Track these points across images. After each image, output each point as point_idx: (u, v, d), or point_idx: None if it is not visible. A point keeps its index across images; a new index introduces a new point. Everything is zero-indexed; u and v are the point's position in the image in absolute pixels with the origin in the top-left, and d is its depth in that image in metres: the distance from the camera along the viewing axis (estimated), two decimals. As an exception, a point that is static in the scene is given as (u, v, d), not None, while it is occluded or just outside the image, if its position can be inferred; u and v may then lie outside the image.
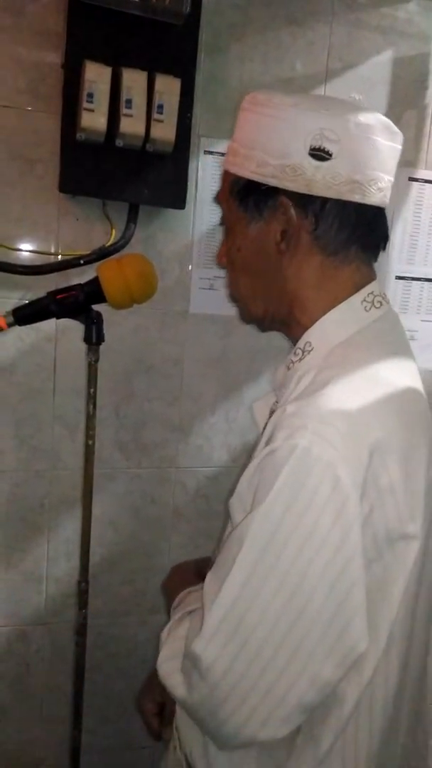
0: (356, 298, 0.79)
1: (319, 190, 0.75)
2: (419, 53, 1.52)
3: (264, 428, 0.80)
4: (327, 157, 0.74)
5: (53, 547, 1.47)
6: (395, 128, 0.81)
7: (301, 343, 0.80)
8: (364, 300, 0.79)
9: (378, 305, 0.80)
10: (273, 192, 0.77)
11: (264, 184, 0.77)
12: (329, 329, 0.78)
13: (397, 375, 0.76)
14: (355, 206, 0.77)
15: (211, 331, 1.48)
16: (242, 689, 0.68)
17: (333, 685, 0.68)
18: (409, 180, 1.56)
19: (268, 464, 0.67)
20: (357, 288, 0.80)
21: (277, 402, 0.85)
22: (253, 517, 0.67)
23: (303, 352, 0.79)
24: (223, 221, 0.87)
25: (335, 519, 0.64)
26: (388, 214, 1.42)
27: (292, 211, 0.77)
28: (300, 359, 0.79)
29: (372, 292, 0.80)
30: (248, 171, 0.78)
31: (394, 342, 0.80)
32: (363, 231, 0.79)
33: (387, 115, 1.47)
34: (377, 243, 0.82)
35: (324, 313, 0.79)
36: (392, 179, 0.81)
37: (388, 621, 0.72)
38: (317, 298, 0.80)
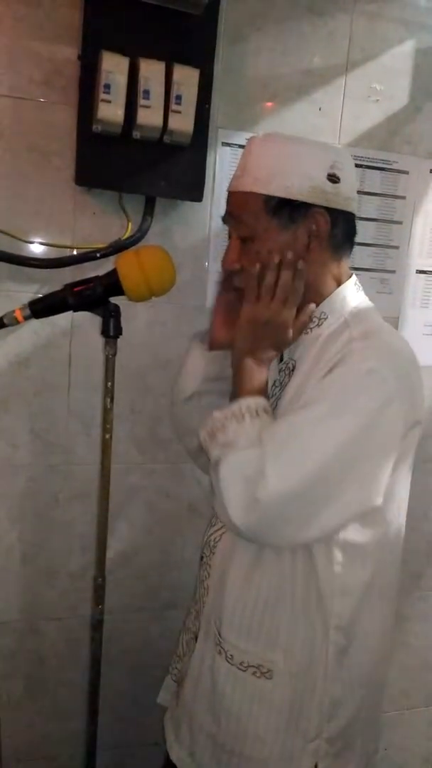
0: (351, 281, 1.08)
1: (334, 204, 1.02)
2: (441, 44, 1.49)
3: (273, 383, 1.09)
4: (337, 181, 1.01)
5: (67, 542, 1.47)
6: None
7: (317, 313, 1.05)
8: (355, 284, 1.09)
9: (359, 288, 1.09)
10: (304, 205, 1.00)
11: (296, 200, 1.00)
12: (338, 302, 1.05)
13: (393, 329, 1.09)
14: (351, 215, 1.06)
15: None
16: (285, 514, 0.94)
17: (352, 517, 0.97)
18: (431, 172, 1.54)
19: (348, 375, 0.94)
20: (347, 274, 1.08)
21: (289, 360, 1.08)
22: (331, 402, 0.93)
23: (319, 319, 1.05)
24: (244, 232, 1.03)
25: (387, 408, 0.93)
26: (409, 206, 1.50)
27: (327, 217, 1.01)
28: (317, 325, 1.05)
29: (356, 281, 1.10)
30: (279, 191, 1.00)
31: (377, 312, 1.09)
32: (353, 233, 1.08)
33: (408, 106, 1.49)
34: (354, 242, 1.10)
35: (331, 293, 1.05)
36: None
37: (405, 488, 1.05)
38: (326, 282, 1.06)
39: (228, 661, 1.07)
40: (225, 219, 1.08)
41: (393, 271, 1.55)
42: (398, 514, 1.05)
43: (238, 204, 1.04)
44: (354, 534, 0.99)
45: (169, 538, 1.54)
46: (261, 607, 1.04)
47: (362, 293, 1.09)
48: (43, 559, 1.46)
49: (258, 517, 0.93)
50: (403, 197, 1.52)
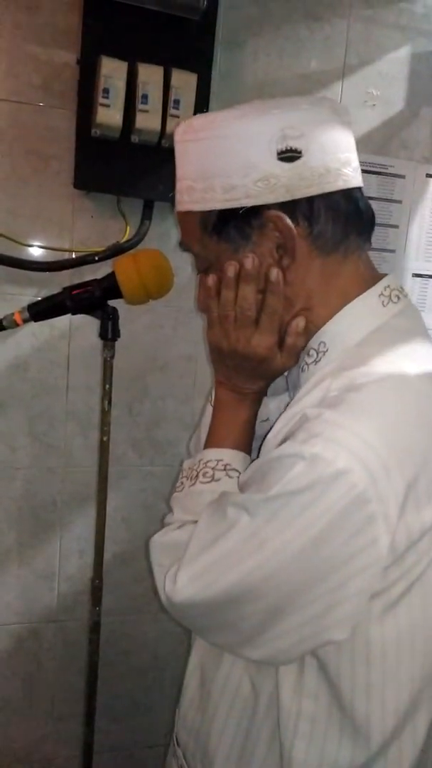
0: (372, 293, 0.74)
1: (301, 191, 0.70)
2: (437, 49, 1.50)
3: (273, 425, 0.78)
4: (297, 155, 0.69)
5: (65, 545, 1.47)
6: (339, 104, 0.77)
7: (314, 343, 0.75)
8: (381, 294, 0.74)
9: (395, 300, 0.75)
10: (253, 211, 0.71)
11: (240, 208, 0.71)
12: (344, 327, 0.73)
13: (425, 377, 0.70)
14: (341, 194, 0.72)
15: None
16: (212, 622, 0.72)
17: (290, 657, 0.70)
18: (427, 176, 1.55)
19: (295, 462, 0.63)
20: (367, 280, 0.75)
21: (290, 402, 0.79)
22: (265, 495, 0.65)
23: (317, 352, 0.75)
24: (200, 265, 0.80)
25: (346, 519, 0.62)
26: (406, 210, 1.43)
27: (288, 221, 0.71)
28: (315, 361, 0.75)
29: (388, 286, 0.75)
30: (216, 202, 0.72)
31: (416, 339, 0.74)
32: (355, 216, 0.74)
33: (404, 111, 1.49)
34: (370, 222, 0.77)
35: (336, 311, 0.74)
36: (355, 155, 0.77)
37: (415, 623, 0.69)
38: (325, 300, 0.75)
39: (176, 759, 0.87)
40: (180, 246, 0.83)
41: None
42: (408, 642, 0.70)
43: (182, 229, 0.79)
44: (336, 667, 0.70)
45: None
46: (209, 718, 0.81)
47: (398, 305, 0.75)
48: (41, 561, 1.46)
49: (175, 615, 0.74)
50: (400, 201, 1.53)
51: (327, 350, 0.74)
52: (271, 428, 0.76)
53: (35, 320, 1.04)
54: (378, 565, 0.64)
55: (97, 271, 1.27)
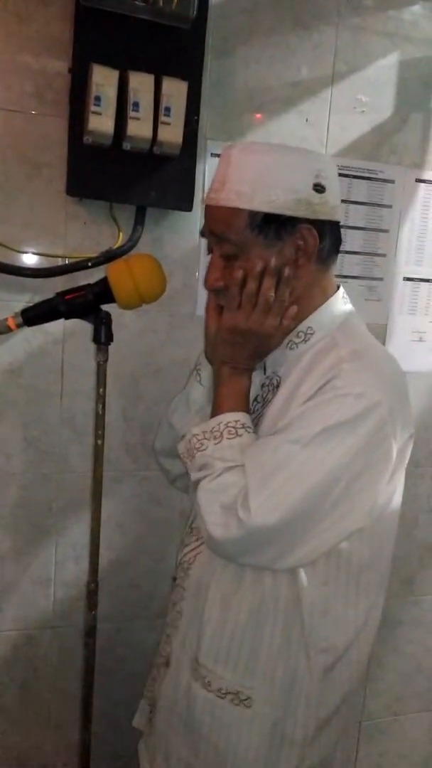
0: (339, 293, 1.04)
1: (321, 215, 0.97)
2: (425, 56, 1.52)
3: (255, 399, 1.06)
4: (323, 190, 0.96)
5: (61, 551, 1.47)
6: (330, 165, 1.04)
7: (303, 327, 1.01)
8: (343, 297, 1.05)
9: (347, 300, 1.06)
10: (291, 220, 0.95)
11: (282, 215, 0.95)
12: (326, 317, 1.01)
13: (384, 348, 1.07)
14: (336, 225, 1.02)
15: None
16: (266, 541, 0.92)
17: (340, 540, 0.95)
18: (416, 181, 1.56)
19: (345, 398, 0.90)
20: (334, 286, 1.05)
21: (273, 376, 1.04)
22: (321, 426, 0.89)
23: (305, 334, 1.01)
24: (224, 250, 0.99)
25: (379, 433, 0.90)
26: (395, 215, 1.48)
27: (315, 234, 0.96)
28: (303, 341, 1.01)
29: (343, 291, 1.06)
30: (263, 206, 0.94)
31: (365, 326, 1.06)
32: (338, 241, 1.03)
33: (393, 117, 1.52)
34: (338, 251, 1.05)
35: (318, 305, 1.01)
36: None
37: (397, 501, 1.02)
38: (313, 296, 1.01)
39: (205, 688, 1.03)
40: (204, 233, 1.03)
41: (380, 279, 1.58)
42: (390, 528, 1.04)
43: (220, 220, 0.98)
44: (344, 551, 0.97)
45: (161, 546, 1.55)
46: (240, 632, 1.01)
47: (350, 305, 1.06)
48: (37, 567, 1.46)
49: (239, 541, 0.92)
50: (390, 206, 1.55)
51: (314, 333, 1.01)
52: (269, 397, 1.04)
53: (29, 325, 1.05)
54: (388, 471, 0.93)
55: (91, 277, 1.27)
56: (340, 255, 1.06)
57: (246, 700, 1.00)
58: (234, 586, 1.01)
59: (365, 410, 0.89)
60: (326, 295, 1.02)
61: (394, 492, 1.00)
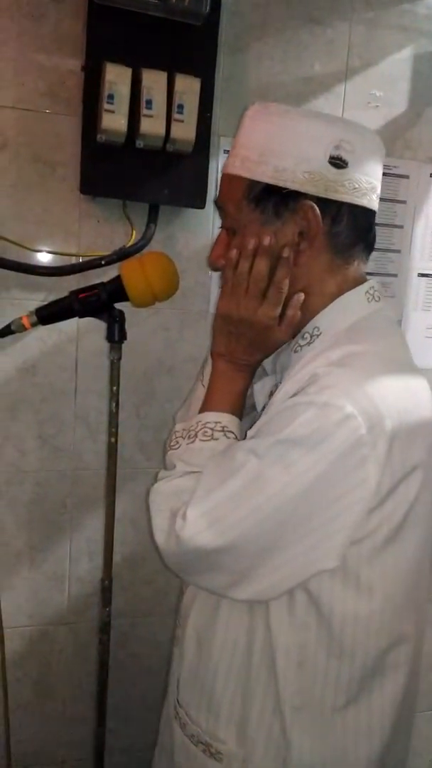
0: (360, 290, 0.87)
1: (336, 195, 0.82)
2: (439, 49, 1.51)
3: (263, 408, 0.92)
4: (343, 165, 0.82)
5: (75, 547, 1.48)
6: (381, 141, 0.91)
7: (309, 328, 0.87)
8: (367, 292, 0.88)
9: (378, 299, 0.89)
10: (293, 195, 0.82)
11: (284, 188, 0.82)
12: (337, 316, 0.86)
13: (403, 356, 0.88)
14: (362, 210, 0.85)
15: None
16: (210, 563, 0.79)
17: (302, 578, 0.79)
18: (431, 176, 1.55)
19: (307, 408, 0.75)
20: (357, 281, 0.88)
21: (279, 384, 0.89)
22: (275, 438, 0.75)
23: (311, 336, 0.86)
24: (227, 222, 0.89)
25: (349, 456, 0.73)
26: (410, 210, 1.45)
27: (318, 213, 0.82)
28: (309, 343, 0.86)
29: (373, 287, 0.89)
30: (267, 176, 0.82)
31: (393, 328, 0.92)
32: (365, 232, 0.88)
33: (407, 112, 1.50)
34: (372, 244, 0.91)
35: (329, 302, 0.86)
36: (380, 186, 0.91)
37: (411, 559, 0.83)
38: (322, 291, 0.87)
39: (182, 730, 0.94)
40: (215, 205, 0.95)
41: (395, 275, 1.57)
42: (396, 584, 0.83)
43: (224, 189, 0.88)
44: (321, 595, 0.81)
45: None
46: (211, 675, 0.89)
47: (378, 304, 0.88)
48: (52, 564, 1.47)
49: (176, 555, 0.81)
50: (404, 201, 1.54)
51: (320, 334, 0.85)
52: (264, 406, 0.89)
53: (43, 323, 1.06)
54: (365, 502, 0.75)
55: (104, 276, 1.27)
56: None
57: (216, 754, 0.89)
58: (209, 619, 0.90)
59: (328, 425, 0.72)
60: (340, 291, 0.86)
61: (391, 540, 0.79)
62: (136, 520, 1.51)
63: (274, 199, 0.83)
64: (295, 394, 0.78)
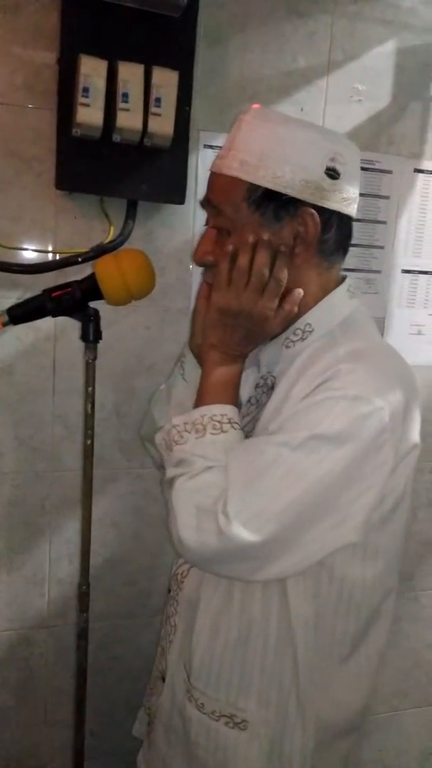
0: (343, 287, 0.95)
1: (328, 203, 0.88)
2: (423, 43, 1.49)
3: (248, 401, 1.00)
4: (336, 176, 0.88)
5: (55, 549, 1.45)
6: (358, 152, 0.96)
7: (300, 324, 0.92)
8: (348, 289, 0.95)
9: (354, 293, 0.97)
10: (293, 201, 0.87)
11: (285, 195, 0.87)
12: (327, 313, 0.92)
13: (390, 346, 0.97)
14: (347, 219, 0.93)
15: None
16: (242, 555, 0.84)
17: (324, 553, 0.86)
18: (415, 171, 1.53)
19: (338, 402, 0.81)
20: (339, 282, 0.96)
21: (268, 376, 0.97)
22: (310, 432, 0.80)
23: (303, 332, 0.92)
24: (218, 222, 0.92)
25: (376, 441, 0.81)
26: (393, 206, 1.45)
27: (317, 219, 0.88)
28: (301, 339, 0.92)
29: (350, 284, 0.97)
30: (266, 181, 0.86)
31: (372, 322, 0.98)
32: (347, 238, 0.95)
33: (391, 105, 1.48)
34: (349, 247, 0.98)
35: (316, 302, 0.93)
36: None
37: (402, 519, 0.94)
38: (311, 291, 0.92)
39: (199, 710, 0.98)
40: (203, 204, 0.95)
41: (378, 271, 1.55)
42: (390, 549, 0.94)
43: (219, 189, 0.91)
44: (334, 566, 0.89)
45: (157, 544, 1.53)
46: (230, 654, 0.95)
47: (356, 300, 0.96)
48: (31, 567, 1.45)
49: (213, 551, 0.83)
50: (387, 197, 1.52)
51: (312, 330, 0.92)
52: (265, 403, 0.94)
53: (15, 323, 1.03)
54: (383, 481, 0.84)
55: (81, 273, 1.24)
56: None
57: (241, 723, 0.95)
58: (223, 605, 0.95)
59: (361, 417, 0.80)
60: (325, 291, 0.94)
61: (394, 509, 0.90)
62: (118, 521, 1.49)
63: (274, 203, 0.87)
64: (316, 388, 0.84)
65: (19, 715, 1.51)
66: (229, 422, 0.89)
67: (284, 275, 0.88)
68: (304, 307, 0.92)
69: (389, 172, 1.51)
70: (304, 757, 0.96)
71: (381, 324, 1.57)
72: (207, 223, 0.96)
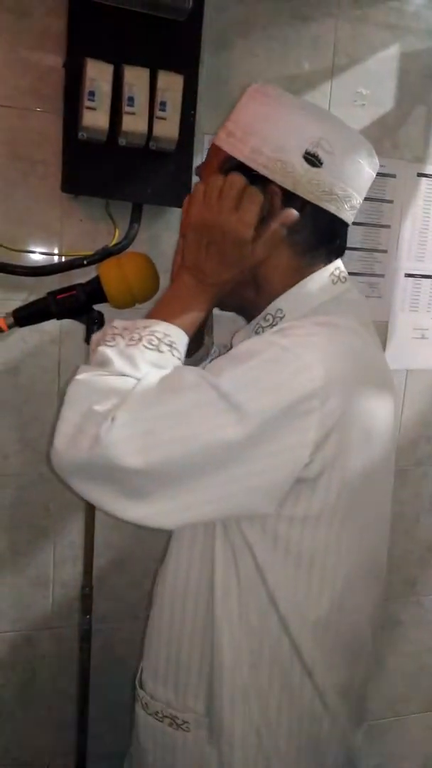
0: (324, 272, 0.86)
1: (303, 192, 0.82)
2: (427, 47, 1.49)
3: None
4: (317, 164, 0.81)
5: (59, 551, 1.46)
6: (376, 158, 0.90)
7: (271, 309, 0.86)
8: (332, 274, 0.87)
9: (344, 281, 0.88)
10: (261, 180, 0.82)
11: (255, 171, 0.82)
12: (300, 298, 0.85)
13: (368, 335, 0.87)
14: (329, 216, 0.85)
15: (216, 331, 1.45)
16: (112, 477, 0.72)
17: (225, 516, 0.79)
18: (418, 176, 1.54)
19: (269, 347, 0.74)
20: (319, 266, 0.88)
21: None
22: (231, 372, 0.73)
23: (273, 317, 0.86)
24: None
25: (303, 404, 0.72)
26: (397, 210, 1.43)
27: (279, 202, 0.82)
28: (271, 325, 0.85)
29: (338, 268, 0.88)
30: (242, 154, 0.83)
31: (362, 313, 0.89)
32: (330, 240, 0.87)
33: (395, 110, 1.48)
34: (338, 253, 0.90)
35: (289, 287, 0.85)
36: (361, 201, 0.90)
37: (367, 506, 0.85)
38: (281, 283, 0.86)
39: (144, 710, 0.94)
40: (196, 171, 0.94)
41: (382, 275, 1.55)
42: (355, 561, 0.85)
43: (207, 158, 0.90)
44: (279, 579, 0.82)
45: (160, 546, 1.52)
46: (176, 647, 0.90)
47: (344, 285, 0.88)
48: (35, 568, 1.45)
49: (81, 459, 0.71)
50: (391, 201, 1.52)
51: (283, 316, 0.85)
52: None
53: (20, 325, 1.04)
54: (300, 451, 0.73)
55: (87, 276, 1.25)
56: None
57: (183, 724, 0.91)
58: (172, 600, 0.91)
59: (289, 372, 0.71)
60: (302, 276, 0.86)
61: (347, 512, 0.81)
62: (121, 524, 1.48)
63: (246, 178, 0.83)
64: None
65: (21, 716, 1.51)
66: (170, 345, 0.79)
67: (259, 197, 0.81)
68: (275, 293, 0.86)
69: (393, 176, 1.52)
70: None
71: (384, 328, 1.58)
72: None
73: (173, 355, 0.79)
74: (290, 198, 0.83)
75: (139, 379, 0.74)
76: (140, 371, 0.75)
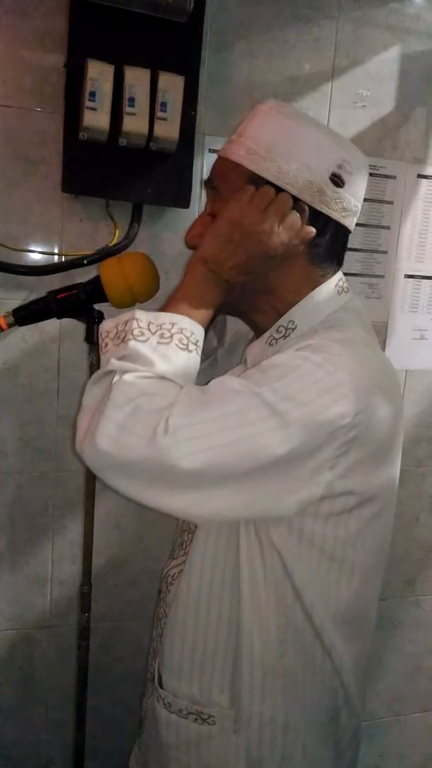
0: (330, 283, 0.91)
1: (326, 209, 0.87)
2: (428, 49, 1.50)
3: None
4: (341, 184, 0.86)
5: (58, 550, 1.46)
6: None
7: (283, 321, 0.90)
8: (336, 285, 0.92)
9: (346, 290, 0.94)
10: (291, 198, 0.85)
11: (284, 190, 0.85)
12: (311, 309, 0.90)
13: (374, 342, 0.94)
14: (344, 231, 0.91)
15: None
16: (154, 474, 0.75)
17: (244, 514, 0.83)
18: (418, 177, 1.54)
19: (293, 355, 0.80)
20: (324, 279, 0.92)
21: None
22: (271, 385, 0.77)
23: (286, 329, 0.90)
24: (216, 207, 0.90)
25: (331, 408, 0.77)
26: (397, 211, 1.44)
27: (306, 219, 0.86)
28: (284, 336, 0.90)
29: (341, 278, 0.94)
30: (269, 172, 0.86)
31: (365, 321, 0.95)
32: (341, 251, 0.93)
33: (395, 111, 1.49)
34: (341, 263, 0.95)
35: (302, 296, 0.90)
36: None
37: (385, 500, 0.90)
38: (297, 290, 0.90)
39: (167, 709, 0.96)
40: (206, 183, 0.94)
41: (382, 276, 1.56)
42: (368, 561, 0.91)
43: (222, 172, 0.90)
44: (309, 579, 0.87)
45: (159, 545, 1.53)
46: (201, 644, 0.93)
47: (348, 295, 0.93)
48: (34, 567, 1.46)
49: (130, 459, 0.74)
50: (391, 202, 1.53)
51: (295, 327, 0.89)
52: None
53: (20, 324, 1.04)
54: (333, 462, 0.79)
55: (87, 275, 1.26)
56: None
57: (208, 719, 0.93)
58: (198, 598, 0.92)
59: (327, 386, 0.77)
60: (312, 288, 0.91)
61: (369, 520, 0.88)
62: (121, 522, 1.49)
63: None
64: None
65: (20, 715, 1.52)
66: (195, 344, 0.82)
67: (298, 219, 0.85)
68: (288, 305, 0.90)
69: (393, 177, 1.52)
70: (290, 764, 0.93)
71: (383, 329, 1.58)
72: (206, 210, 0.94)
73: (198, 354, 0.83)
74: (316, 215, 0.87)
75: (181, 386, 0.78)
76: (178, 374, 0.79)
